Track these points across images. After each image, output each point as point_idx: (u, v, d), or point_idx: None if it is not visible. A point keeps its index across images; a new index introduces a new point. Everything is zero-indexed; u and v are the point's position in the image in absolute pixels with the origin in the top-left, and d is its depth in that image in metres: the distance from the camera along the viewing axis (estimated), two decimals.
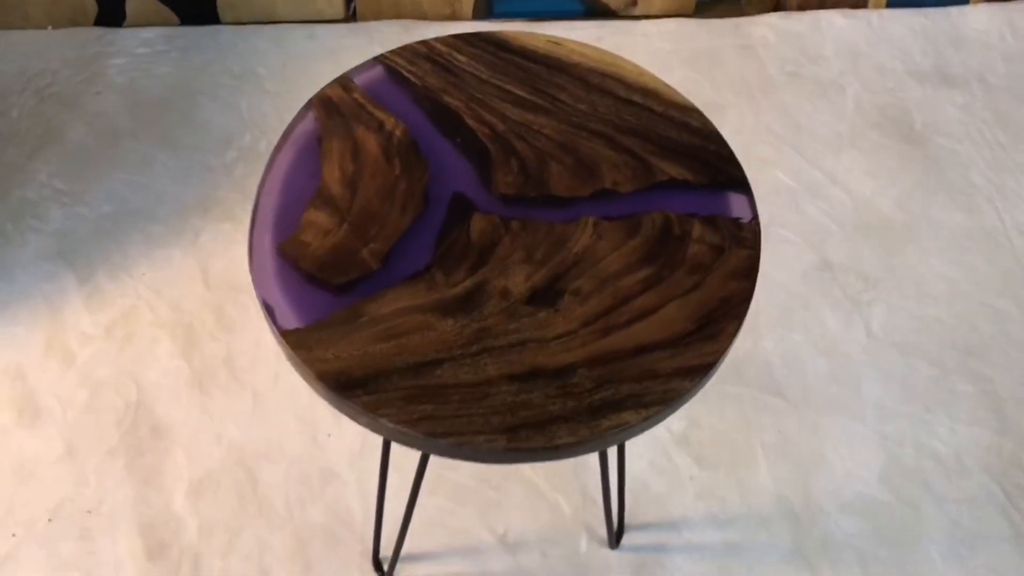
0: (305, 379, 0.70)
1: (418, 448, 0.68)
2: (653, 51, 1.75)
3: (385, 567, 1.21)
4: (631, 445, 1.32)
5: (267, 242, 0.75)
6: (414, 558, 1.23)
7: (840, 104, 1.72)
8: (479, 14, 1.78)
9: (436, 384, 0.68)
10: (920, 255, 1.54)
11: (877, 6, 1.82)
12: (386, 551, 1.23)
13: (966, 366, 1.44)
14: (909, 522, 1.30)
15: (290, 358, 0.70)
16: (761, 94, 1.72)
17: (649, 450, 1.33)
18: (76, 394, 1.35)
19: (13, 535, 1.24)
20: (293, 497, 1.27)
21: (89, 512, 1.26)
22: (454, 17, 1.76)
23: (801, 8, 1.81)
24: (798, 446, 1.35)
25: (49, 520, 1.25)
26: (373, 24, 1.77)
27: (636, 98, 0.84)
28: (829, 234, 1.56)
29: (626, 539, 1.26)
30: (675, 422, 1.36)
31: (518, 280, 0.73)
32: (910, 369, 1.43)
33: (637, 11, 1.79)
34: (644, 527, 1.28)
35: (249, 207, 1.49)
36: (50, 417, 1.33)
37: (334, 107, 0.82)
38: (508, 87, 0.84)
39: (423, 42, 0.86)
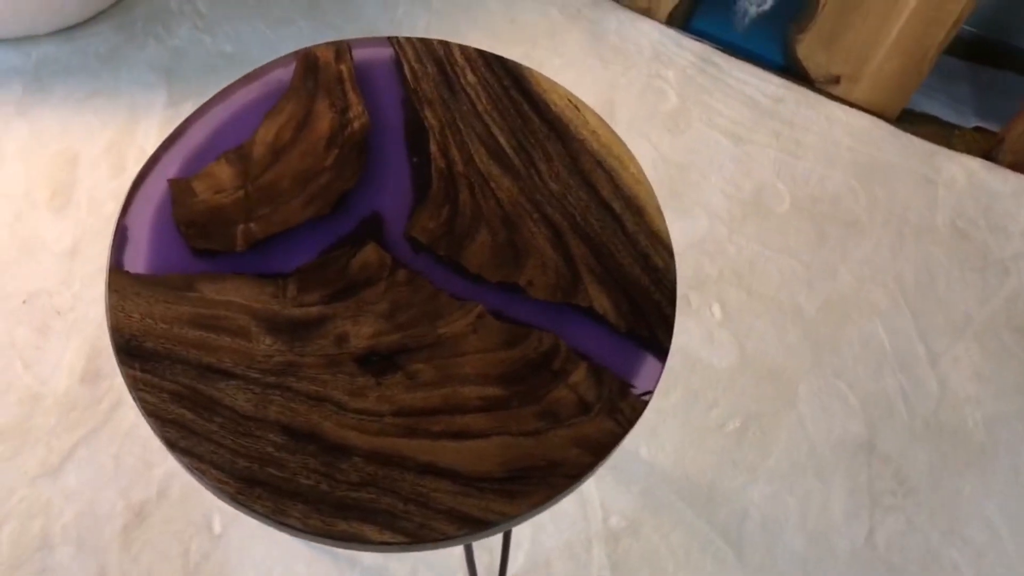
0: (106, 319, 0.66)
1: (160, 443, 0.63)
2: (827, 139, 1.57)
3: None
4: (555, 513, 1.23)
5: (168, 170, 0.71)
6: None
7: (994, 289, 1.50)
8: (674, 21, 1.64)
9: (211, 396, 0.63)
10: (979, 489, 1.34)
11: None
12: None
13: None
14: None
15: (105, 293, 0.67)
16: (913, 236, 1.52)
17: (570, 530, 1.24)
18: (106, 204, 1.38)
19: None
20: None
21: (58, 313, 1.30)
22: (648, 13, 1.64)
23: (1013, 167, 1.57)
24: None
25: (23, 302, 1.30)
26: None
27: (616, 205, 0.73)
28: (893, 416, 1.38)
29: None
30: (614, 517, 1.26)
31: (363, 332, 0.66)
32: None
33: (837, 90, 1.61)
34: None
35: None
36: (76, 212, 1.37)
37: (313, 68, 0.76)
38: (495, 130, 0.75)
39: (445, 43, 0.78)
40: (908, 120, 1.62)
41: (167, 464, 1.19)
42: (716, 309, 1.41)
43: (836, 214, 1.51)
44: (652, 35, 1.65)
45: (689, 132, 1.56)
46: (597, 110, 1.54)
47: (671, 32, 1.65)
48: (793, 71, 1.63)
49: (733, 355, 1.37)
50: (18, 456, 1.19)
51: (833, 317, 1.42)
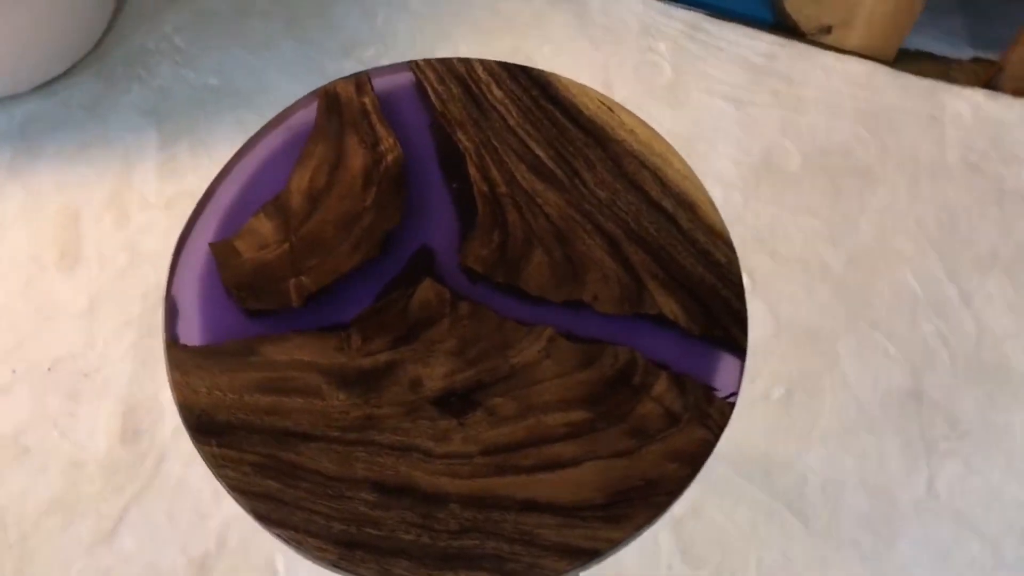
0: (174, 400, 0.64)
1: (247, 516, 0.61)
2: (827, 90, 1.56)
3: None
4: None
5: (206, 233, 0.69)
6: None
7: (1014, 219, 1.49)
8: None
9: (293, 462, 0.61)
10: None
11: None
12: None
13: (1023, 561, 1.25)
14: None
15: (168, 373, 0.64)
16: (928, 178, 1.50)
17: None
18: (118, 256, 1.36)
19: (13, 371, 1.27)
20: None
21: (86, 375, 1.28)
22: None
23: (1016, 93, 1.55)
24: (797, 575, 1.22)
25: (48, 369, 1.28)
26: None
27: (667, 204, 0.71)
28: (935, 360, 1.37)
29: None
30: (676, 504, 1.25)
31: (436, 373, 0.65)
32: (958, 545, 1.25)
33: (829, 39, 1.59)
34: None
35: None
36: (87, 269, 1.34)
37: (336, 105, 0.74)
38: (531, 144, 0.73)
39: (465, 61, 0.76)
40: (905, 60, 1.60)
41: (221, 513, 1.18)
42: (745, 279, 1.39)
43: (848, 165, 1.50)
44: (637, 8, 1.62)
45: (689, 103, 1.54)
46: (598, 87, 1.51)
47: (656, 3, 1.63)
48: (783, 26, 1.61)
49: (768, 324, 1.35)
50: (70, 527, 1.17)
51: (861, 270, 1.41)
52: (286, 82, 1.50)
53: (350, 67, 1.52)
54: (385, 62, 1.51)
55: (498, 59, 1.50)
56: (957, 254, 1.45)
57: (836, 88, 1.57)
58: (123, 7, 1.57)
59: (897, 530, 1.25)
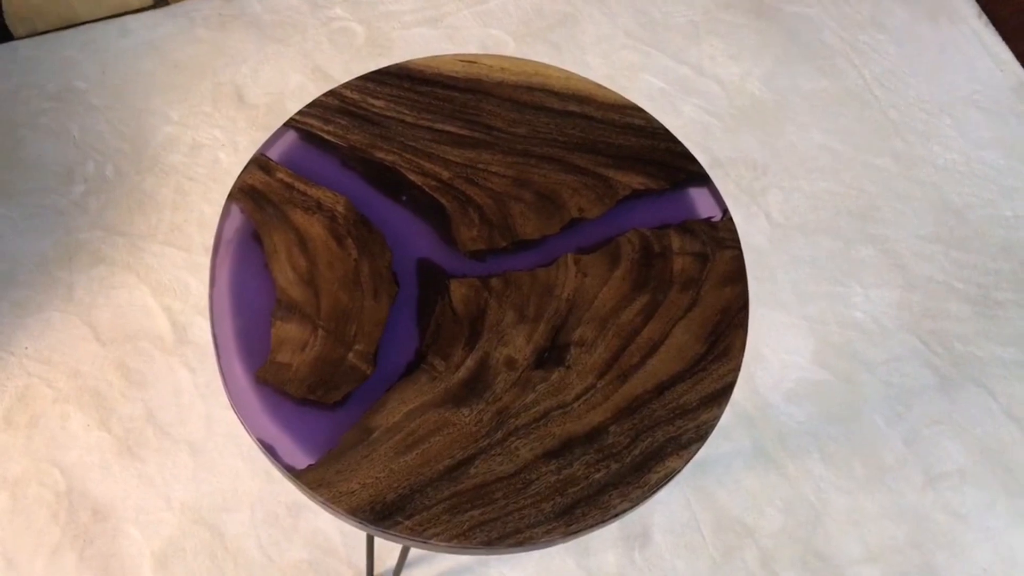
0: (335, 515, 0.65)
1: (476, 555, 0.65)
2: None
3: None
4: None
5: (240, 372, 0.68)
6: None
7: None
8: None
9: (474, 485, 0.65)
10: (798, 130, 1.58)
11: None
12: (378, 568, 1.22)
13: (864, 231, 1.50)
14: (849, 395, 1.38)
15: (312, 498, 0.65)
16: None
17: None
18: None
19: None
20: (266, 540, 1.23)
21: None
22: None
23: None
24: None
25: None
26: (187, 3, 1.60)
27: (572, 107, 0.79)
28: (710, 129, 1.57)
29: None
30: None
31: (519, 344, 0.70)
32: (815, 247, 1.48)
33: None
34: None
35: (117, 242, 1.37)
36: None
37: (260, 195, 0.74)
38: (439, 126, 0.77)
39: (331, 93, 0.78)
40: None
41: None
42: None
43: (548, 20, 1.63)
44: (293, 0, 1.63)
45: (395, 46, 1.59)
46: (313, 82, 1.53)
47: None
48: None
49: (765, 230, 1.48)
50: None
51: None
52: (29, 243, 1.39)
53: (80, 191, 1.43)
54: (109, 169, 1.44)
55: (208, 100, 1.46)
56: (670, 40, 1.64)
57: None
58: None
59: (771, 265, 1.46)
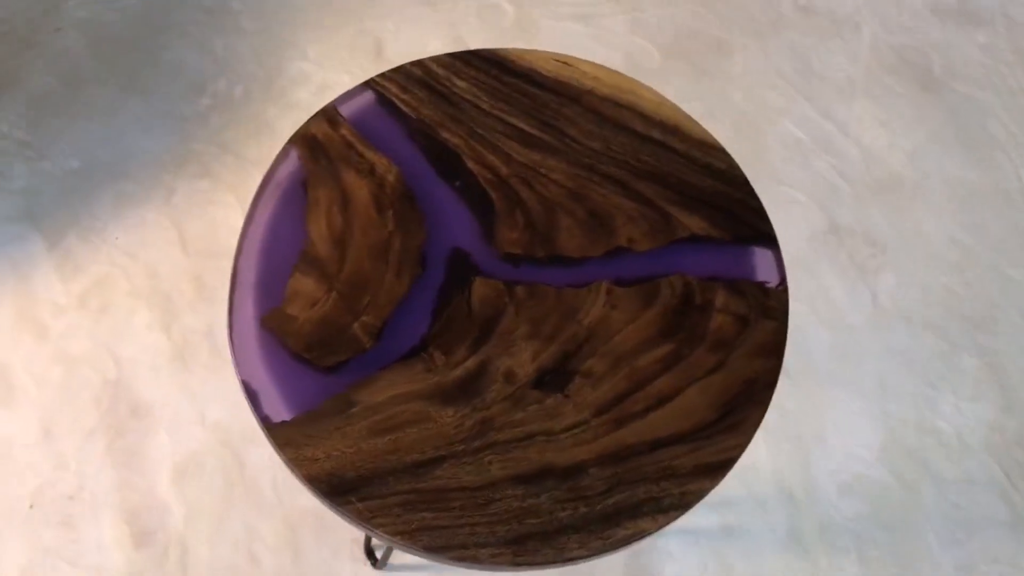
0: (294, 476, 0.64)
1: (417, 556, 0.63)
2: None
3: (378, 555, 1.19)
4: None
5: (249, 313, 0.68)
6: None
7: (855, 45, 1.61)
8: None
9: (436, 488, 0.63)
10: (932, 217, 1.48)
11: None
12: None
13: (974, 339, 1.39)
14: (908, 504, 1.29)
15: (277, 454, 0.64)
16: (771, 31, 1.60)
17: None
18: (51, 370, 1.29)
19: None
20: (281, 482, 1.24)
21: (71, 498, 1.22)
22: None
23: None
24: (798, 424, 1.32)
25: (30, 506, 1.21)
26: None
27: (655, 134, 0.75)
28: (838, 193, 1.48)
29: None
30: None
31: (524, 359, 0.67)
32: (916, 342, 1.39)
33: None
34: None
35: (227, 160, 1.40)
36: (24, 396, 1.27)
37: (319, 147, 0.73)
38: (512, 120, 0.75)
39: (418, 63, 0.77)
40: None
41: None
42: None
43: (701, 43, 1.58)
44: None
45: (540, 33, 1.57)
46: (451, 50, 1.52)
47: None
48: None
49: (866, 310, 1.42)
50: None
51: (748, 133, 1.51)
52: (147, 141, 1.44)
53: (206, 104, 1.47)
54: (239, 91, 1.48)
55: (347, 47, 1.48)
56: (821, 91, 1.56)
57: None
58: None
59: (863, 349, 1.37)
